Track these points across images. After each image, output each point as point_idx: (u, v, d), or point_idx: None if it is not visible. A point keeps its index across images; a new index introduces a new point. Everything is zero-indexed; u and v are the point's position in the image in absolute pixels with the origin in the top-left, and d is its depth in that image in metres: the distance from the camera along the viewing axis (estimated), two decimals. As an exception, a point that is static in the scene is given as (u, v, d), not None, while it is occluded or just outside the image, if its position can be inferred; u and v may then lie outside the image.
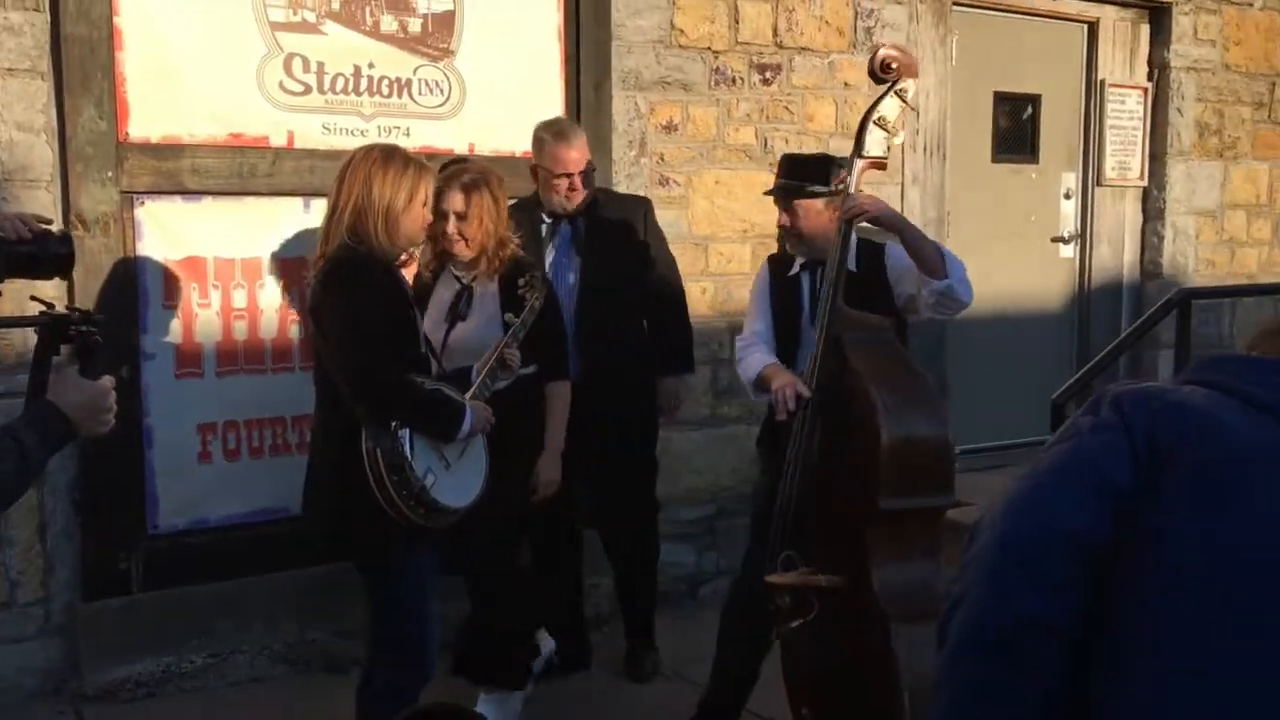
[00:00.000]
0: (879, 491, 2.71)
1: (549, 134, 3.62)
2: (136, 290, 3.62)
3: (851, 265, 3.16)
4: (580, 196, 3.62)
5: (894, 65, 2.94)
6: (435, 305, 3.30)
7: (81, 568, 3.58)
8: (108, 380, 1.90)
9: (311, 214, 3.82)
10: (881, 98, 2.96)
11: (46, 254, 1.94)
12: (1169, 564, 1.25)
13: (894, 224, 3.04)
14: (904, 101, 2.98)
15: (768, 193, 3.32)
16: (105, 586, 3.59)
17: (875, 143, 2.97)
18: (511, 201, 3.51)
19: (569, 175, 3.57)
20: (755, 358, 3.23)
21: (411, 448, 2.63)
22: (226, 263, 3.75)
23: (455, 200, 3.17)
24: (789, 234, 3.26)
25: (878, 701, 2.71)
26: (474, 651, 3.40)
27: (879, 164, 3.01)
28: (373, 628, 2.87)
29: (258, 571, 3.78)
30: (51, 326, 1.90)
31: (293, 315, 3.85)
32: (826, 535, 2.94)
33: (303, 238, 3.82)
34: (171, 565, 3.67)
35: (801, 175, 3.21)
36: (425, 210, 2.79)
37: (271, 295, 3.82)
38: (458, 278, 3.32)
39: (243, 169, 3.73)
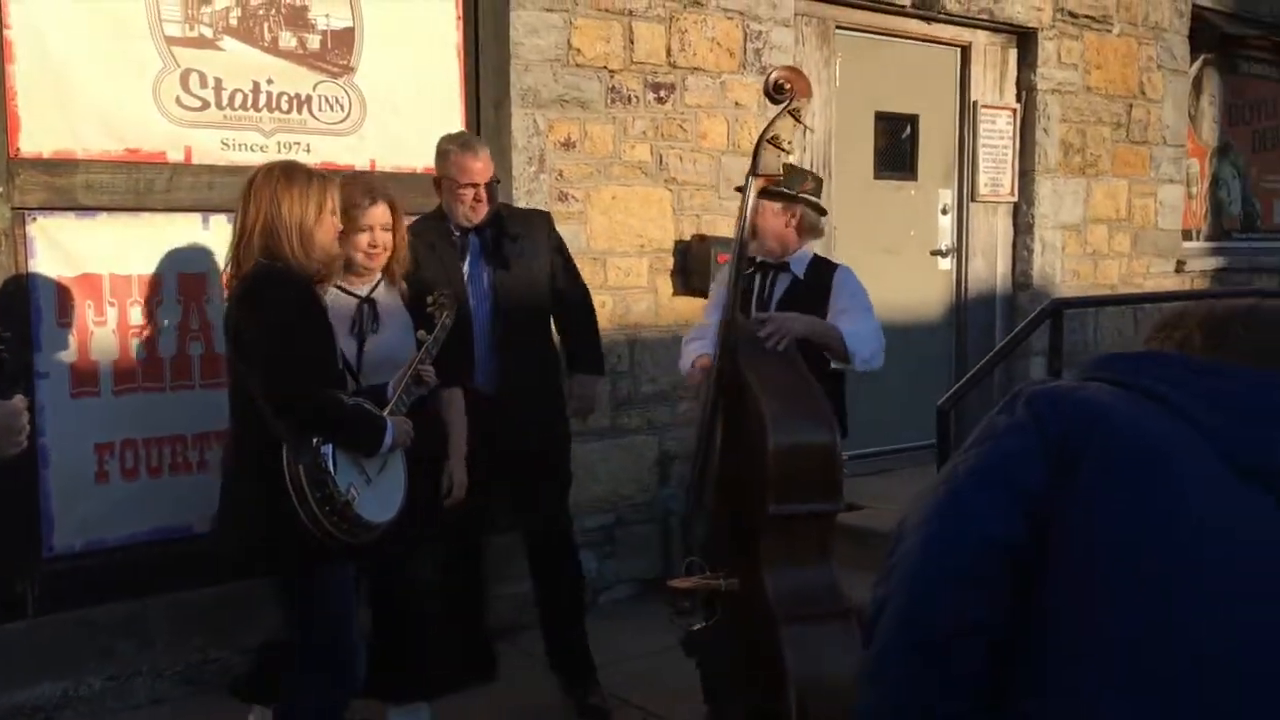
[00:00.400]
0: (767, 497, 2.83)
1: (454, 145, 3.62)
2: (29, 308, 3.54)
3: (800, 273, 3.40)
4: (485, 209, 3.62)
5: (787, 86, 3.07)
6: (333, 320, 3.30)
7: (-26, 593, 3.49)
8: (20, 400, 1.88)
9: (211, 230, 3.81)
10: (776, 117, 3.09)
11: None
12: (1084, 559, 1.29)
13: (802, 333, 3.16)
14: (797, 120, 3.11)
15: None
16: (-1, 611, 3.51)
17: (769, 160, 3.09)
18: (413, 218, 3.54)
19: (474, 186, 3.57)
20: (693, 347, 3.43)
21: (334, 463, 2.64)
22: (123, 279, 3.70)
23: (381, 214, 3.19)
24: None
25: (771, 701, 2.83)
26: (380, 666, 3.41)
27: (773, 179, 3.16)
28: (298, 645, 2.84)
29: (159, 592, 3.73)
30: None
31: (192, 332, 3.81)
32: (727, 539, 3.07)
33: (202, 254, 3.80)
34: (69, 587, 3.59)
35: None
36: (335, 220, 2.81)
37: (170, 312, 3.78)
38: (350, 292, 3.28)
39: (139, 184, 3.69)
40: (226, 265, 2.81)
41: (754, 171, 3.09)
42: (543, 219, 3.92)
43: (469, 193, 3.57)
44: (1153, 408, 1.35)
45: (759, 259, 3.46)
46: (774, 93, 3.08)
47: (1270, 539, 1.28)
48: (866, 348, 3.26)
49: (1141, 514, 1.28)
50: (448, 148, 3.63)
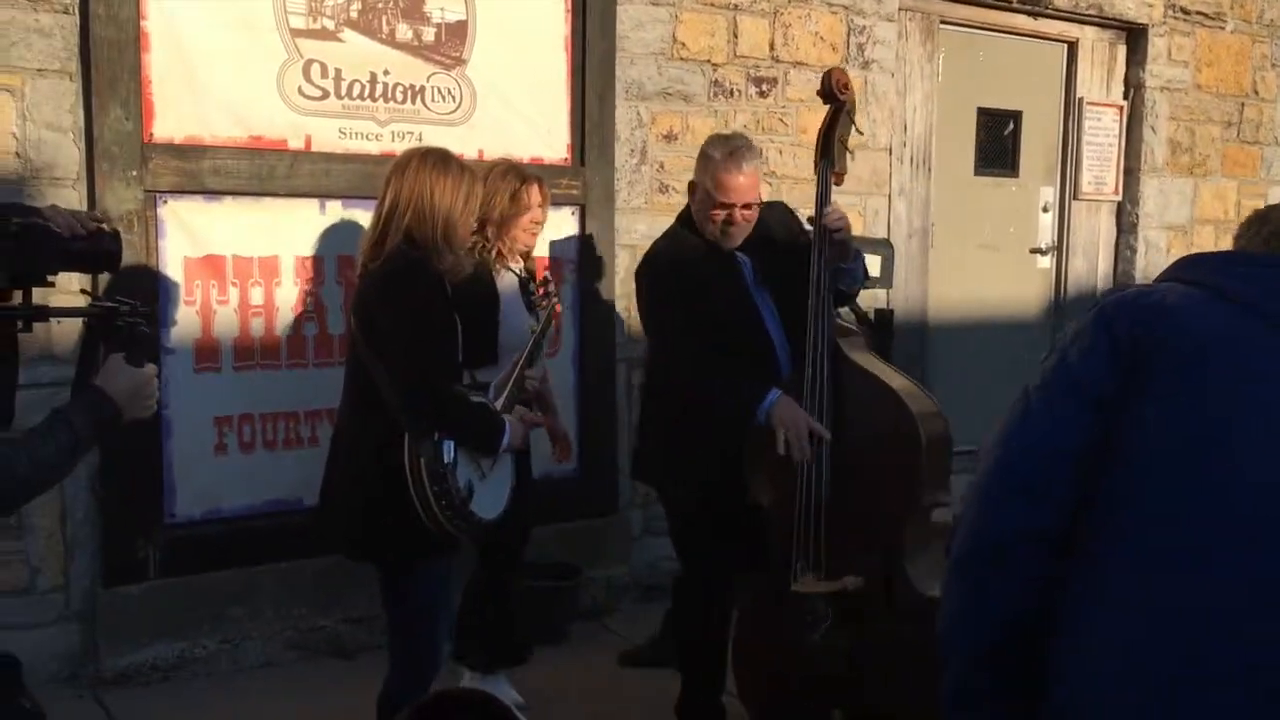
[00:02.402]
0: (919, 489, 2.88)
1: (719, 151, 3.05)
2: (158, 286, 3.72)
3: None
4: (740, 235, 3.09)
5: (848, 85, 3.09)
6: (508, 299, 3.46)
7: (101, 555, 3.68)
8: (151, 368, 2.01)
9: (327, 216, 3.96)
10: (840, 115, 3.07)
11: (99, 250, 2.00)
12: (1140, 453, 1.36)
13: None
14: (852, 118, 3.13)
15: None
16: (123, 573, 3.69)
17: (842, 157, 3.11)
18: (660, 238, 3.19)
19: (730, 206, 3.03)
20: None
21: (454, 459, 2.65)
22: (244, 261, 3.86)
23: (540, 194, 3.33)
24: None
25: (926, 686, 2.77)
26: (467, 636, 3.58)
27: (841, 175, 3.14)
28: (390, 631, 2.89)
29: (270, 560, 3.90)
30: (102, 317, 1.99)
31: (307, 313, 3.97)
32: (841, 539, 2.97)
33: (318, 238, 3.96)
34: (187, 553, 3.78)
35: None
36: (474, 217, 2.87)
37: (287, 294, 3.93)
38: (514, 271, 3.47)
39: (262, 170, 3.85)
40: (363, 242, 2.82)
41: (835, 169, 3.08)
42: (783, 210, 3.42)
43: (721, 214, 3.05)
44: (1223, 305, 1.40)
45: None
46: (839, 91, 3.06)
47: None
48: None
49: (1201, 406, 1.34)
50: (711, 153, 3.08)
